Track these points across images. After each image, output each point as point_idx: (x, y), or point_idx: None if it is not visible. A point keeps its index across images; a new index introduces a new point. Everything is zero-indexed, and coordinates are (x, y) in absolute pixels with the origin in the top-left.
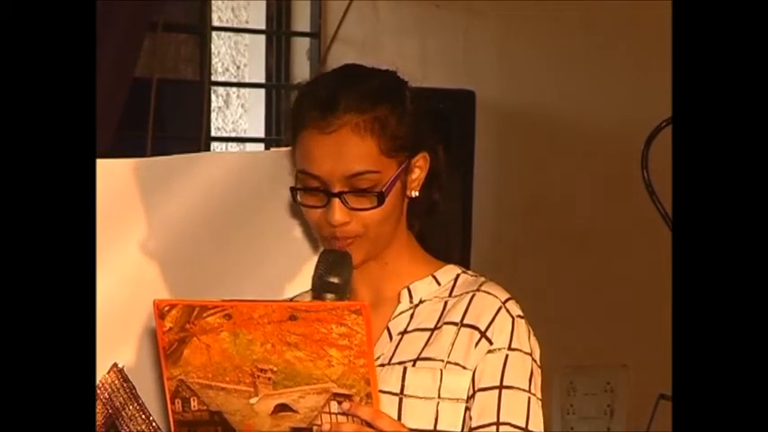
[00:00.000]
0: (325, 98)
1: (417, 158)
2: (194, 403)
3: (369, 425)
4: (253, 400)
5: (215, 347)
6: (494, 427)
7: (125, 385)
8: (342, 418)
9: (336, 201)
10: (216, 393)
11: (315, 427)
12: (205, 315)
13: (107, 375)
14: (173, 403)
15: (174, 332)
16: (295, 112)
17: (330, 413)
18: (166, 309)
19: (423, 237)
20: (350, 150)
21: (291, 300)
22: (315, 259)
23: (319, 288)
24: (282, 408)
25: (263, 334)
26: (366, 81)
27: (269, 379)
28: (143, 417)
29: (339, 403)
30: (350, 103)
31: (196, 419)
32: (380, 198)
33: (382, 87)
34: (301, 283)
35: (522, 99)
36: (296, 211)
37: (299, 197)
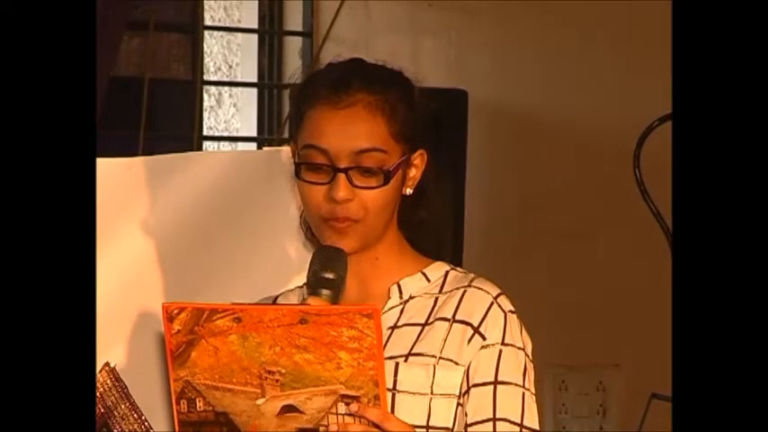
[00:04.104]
0: (339, 77)
1: (416, 155)
2: (200, 404)
3: (376, 426)
4: (259, 401)
5: (223, 350)
6: (490, 423)
7: (117, 384)
8: (349, 420)
9: (342, 176)
10: (222, 394)
11: (321, 428)
12: (214, 318)
13: (99, 375)
14: (178, 404)
15: (182, 334)
16: (305, 90)
17: (337, 414)
18: (175, 312)
19: (414, 237)
20: (360, 126)
21: (276, 298)
22: (305, 258)
23: (314, 284)
24: (289, 409)
25: (273, 337)
26: (377, 67)
27: (276, 381)
28: (135, 416)
29: (347, 405)
30: (363, 82)
31: (201, 420)
32: (386, 176)
33: (392, 75)
34: (290, 281)
35: (514, 99)
36: (287, 210)
37: (302, 173)
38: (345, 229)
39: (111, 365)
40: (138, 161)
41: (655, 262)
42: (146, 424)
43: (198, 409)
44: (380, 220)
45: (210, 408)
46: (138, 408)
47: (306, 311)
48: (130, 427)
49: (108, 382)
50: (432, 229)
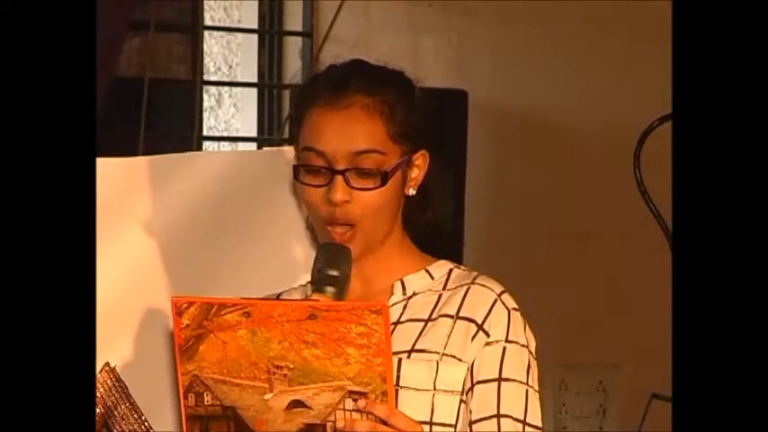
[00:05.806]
0: (337, 78)
1: (417, 156)
2: (208, 398)
3: (383, 422)
4: (267, 396)
5: (232, 344)
6: (494, 420)
7: (117, 384)
8: (356, 416)
9: (339, 178)
10: (230, 389)
11: (329, 424)
12: (223, 312)
13: (99, 375)
14: (186, 398)
15: (190, 329)
16: (304, 92)
17: (345, 410)
18: (184, 306)
19: (419, 238)
20: (358, 128)
21: (279, 296)
22: (305, 257)
23: (319, 281)
24: (296, 404)
25: (282, 332)
26: (377, 69)
27: (285, 376)
28: (135, 416)
29: (354, 401)
30: (361, 84)
31: (209, 414)
32: (384, 178)
33: (392, 76)
34: (291, 280)
35: (514, 99)
36: (287, 209)
37: (300, 175)
38: (346, 236)
39: (112, 365)
40: (139, 161)
41: (655, 262)
42: (146, 424)
43: (206, 403)
44: (380, 222)
45: (218, 402)
46: (138, 408)
47: (315, 307)
48: (130, 428)
49: (108, 382)
50: (433, 229)
